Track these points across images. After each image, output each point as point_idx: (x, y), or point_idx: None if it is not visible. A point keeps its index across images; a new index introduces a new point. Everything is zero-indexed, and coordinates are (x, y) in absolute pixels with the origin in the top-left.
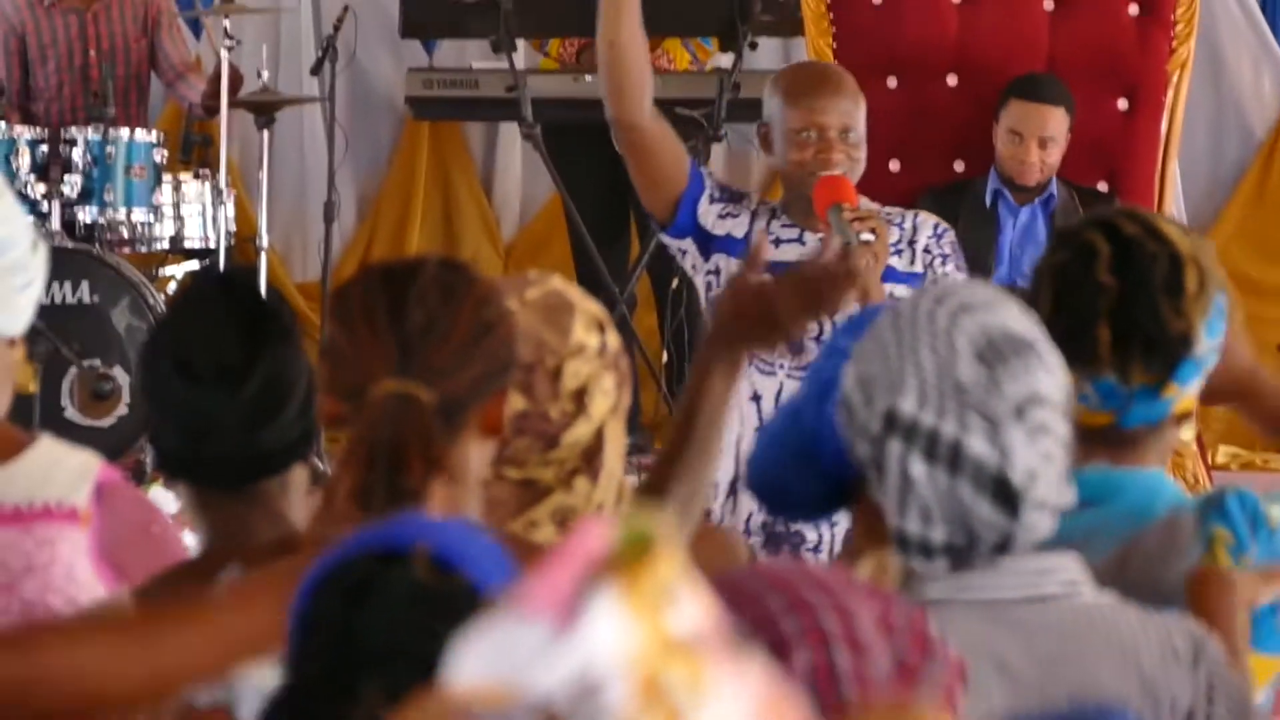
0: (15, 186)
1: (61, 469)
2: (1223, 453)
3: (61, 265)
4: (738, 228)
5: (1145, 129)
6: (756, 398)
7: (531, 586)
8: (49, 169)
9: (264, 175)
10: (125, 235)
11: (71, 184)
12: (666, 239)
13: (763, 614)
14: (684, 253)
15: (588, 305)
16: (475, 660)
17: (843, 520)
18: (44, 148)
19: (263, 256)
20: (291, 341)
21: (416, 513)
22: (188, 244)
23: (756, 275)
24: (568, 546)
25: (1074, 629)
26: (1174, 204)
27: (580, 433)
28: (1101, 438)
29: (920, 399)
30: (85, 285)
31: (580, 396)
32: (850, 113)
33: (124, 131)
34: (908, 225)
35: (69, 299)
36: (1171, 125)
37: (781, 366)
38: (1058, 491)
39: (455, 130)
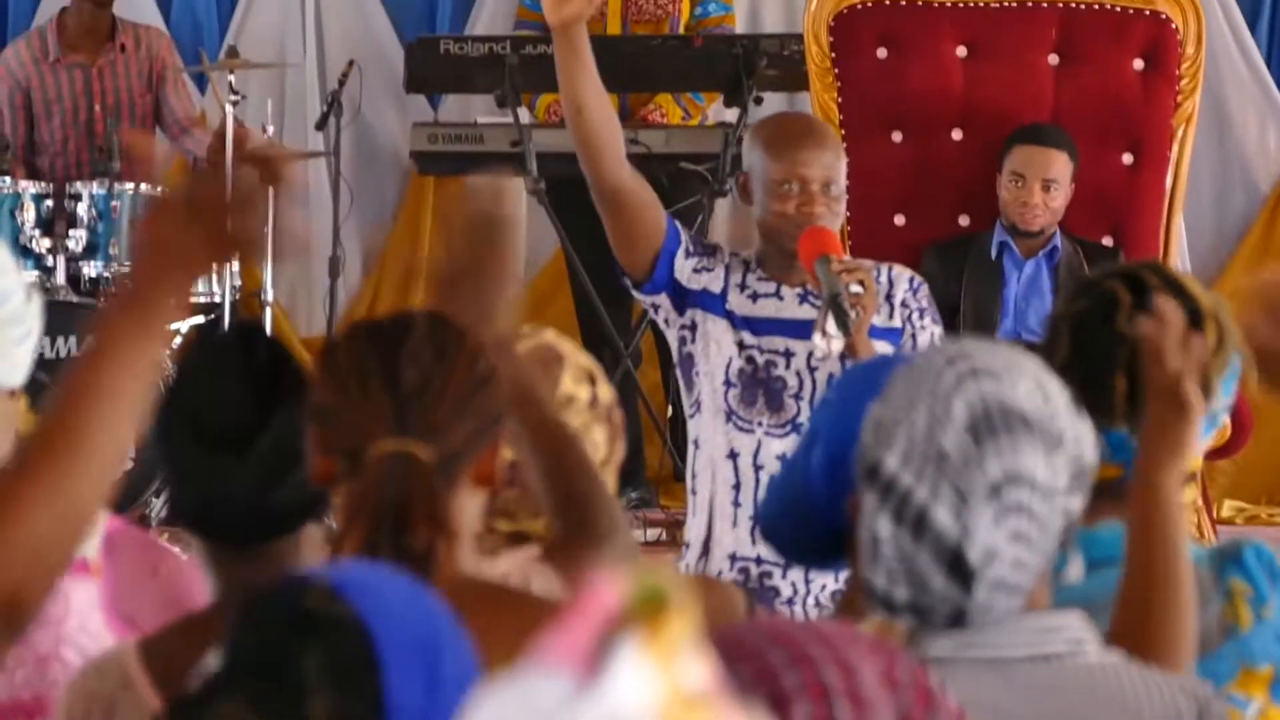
0: (20, 241)
1: None
2: (1228, 507)
3: (66, 320)
4: (714, 282)
5: (1150, 183)
6: (733, 455)
7: (551, 640)
8: (54, 223)
9: (269, 229)
10: None
11: (76, 238)
12: (640, 296)
13: (764, 668)
14: (656, 308)
15: (579, 358)
16: (500, 712)
17: (818, 575)
18: (49, 202)
19: (268, 311)
20: (303, 399)
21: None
22: (193, 298)
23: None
24: (584, 601)
25: (1078, 688)
26: (1179, 258)
27: None
28: (1110, 492)
29: (904, 458)
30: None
31: None
32: (833, 165)
33: (129, 186)
34: (884, 279)
35: (74, 353)
36: (1176, 179)
37: (760, 424)
38: (1027, 573)
39: (460, 185)
